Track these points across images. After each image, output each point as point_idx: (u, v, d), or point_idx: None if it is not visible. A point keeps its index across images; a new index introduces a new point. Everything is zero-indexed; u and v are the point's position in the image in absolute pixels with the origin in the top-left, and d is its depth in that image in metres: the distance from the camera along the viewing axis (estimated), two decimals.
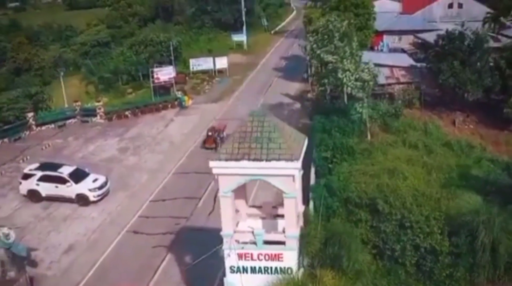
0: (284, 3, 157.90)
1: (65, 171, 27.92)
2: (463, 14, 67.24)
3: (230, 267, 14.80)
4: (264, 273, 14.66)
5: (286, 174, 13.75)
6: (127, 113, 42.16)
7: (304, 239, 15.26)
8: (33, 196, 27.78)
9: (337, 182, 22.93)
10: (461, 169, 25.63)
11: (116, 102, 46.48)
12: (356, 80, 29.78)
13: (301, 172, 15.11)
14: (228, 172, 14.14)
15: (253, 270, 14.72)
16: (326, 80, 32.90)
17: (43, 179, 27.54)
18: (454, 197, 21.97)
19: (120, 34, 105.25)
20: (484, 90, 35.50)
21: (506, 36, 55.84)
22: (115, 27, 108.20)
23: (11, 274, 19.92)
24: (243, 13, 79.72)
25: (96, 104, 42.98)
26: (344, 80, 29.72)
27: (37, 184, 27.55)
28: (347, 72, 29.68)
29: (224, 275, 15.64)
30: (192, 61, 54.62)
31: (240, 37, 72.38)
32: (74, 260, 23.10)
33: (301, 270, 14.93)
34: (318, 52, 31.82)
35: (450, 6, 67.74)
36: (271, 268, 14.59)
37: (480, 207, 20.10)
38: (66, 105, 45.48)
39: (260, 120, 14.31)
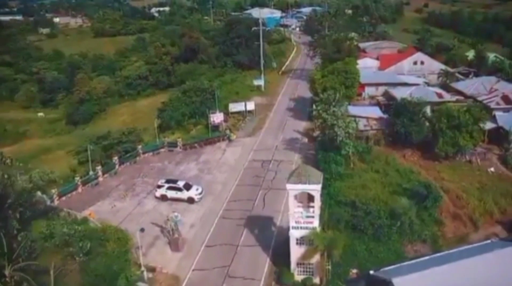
0: (285, 37, 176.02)
1: (180, 183, 47.09)
2: (424, 69, 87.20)
3: (292, 226, 33.88)
4: (305, 229, 33.71)
5: (316, 189, 32.91)
6: (195, 144, 61.31)
7: (321, 216, 34.48)
8: (163, 198, 46.79)
9: (334, 192, 42.69)
10: (400, 185, 45.49)
11: (185, 136, 65.10)
12: (345, 132, 49.39)
13: (320, 186, 34.22)
14: (293, 188, 33.17)
15: (301, 228, 33.79)
16: (326, 131, 52.26)
17: (169, 188, 46.64)
18: (395, 200, 41.68)
19: (156, 69, 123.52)
20: (423, 136, 55.00)
21: (454, 89, 75.44)
22: (152, 63, 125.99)
23: (176, 235, 39.01)
24: (261, 60, 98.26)
25: (175, 137, 62.17)
26: (338, 132, 49.22)
27: (166, 191, 46.68)
28: (340, 128, 49.22)
29: (287, 232, 34.88)
30: (230, 105, 73.31)
31: (259, 82, 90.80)
32: (196, 231, 42.15)
33: (319, 228, 34.02)
34: (323, 115, 51.30)
35: (415, 63, 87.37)
36: (308, 226, 33.64)
37: (406, 204, 39.94)
38: (157, 139, 63.23)
39: (305, 168, 33.67)
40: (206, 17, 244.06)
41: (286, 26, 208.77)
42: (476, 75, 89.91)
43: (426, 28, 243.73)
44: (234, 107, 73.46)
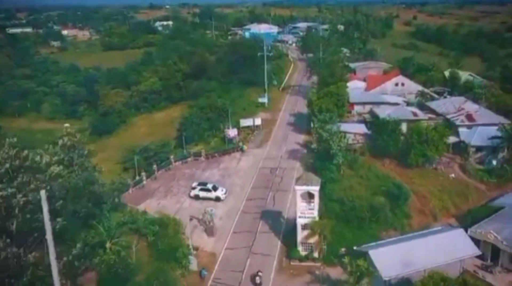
0: (283, 53, 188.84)
1: (209, 186, 59.83)
2: (404, 90, 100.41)
3: (299, 216, 46.68)
4: (308, 218, 46.50)
5: (315, 189, 45.77)
6: (215, 154, 74.06)
7: (319, 209, 47.34)
8: (196, 197, 59.40)
9: (328, 192, 55.58)
10: (379, 187, 58.39)
11: (206, 148, 77.71)
12: (337, 146, 62.35)
13: (319, 187, 47.04)
14: (300, 188, 46.03)
15: (305, 217, 46.59)
16: (322, 144, 65.23)
17: (201, 190, 59.34)
18: (374, 198, 54.61)
19: (169, 84, 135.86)
20: (398, 148, 68.02)
21: (428, 108, 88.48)
22: (165, 79, 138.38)
23: (211, 224, 51.67)
24: (265, 80, 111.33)
25: (198, 149, 74.98)
26: (332, 146, 62.16)
27: (198, 192, 59.36)
28: (333, 143, 62.19)
29: (293, 222, 47.68)
30: (241, 121, 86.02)
31: (264, 99, 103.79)
32: (224, 222, 54.80)
33: (317, 218, 46.83)
34: (320, 131, 64.29)
35: (397, 84, 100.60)
36: (310, 216, 46.44)
37: (383, 201, 52.99)
38: (184, 150, 75.72)
39: (310, 176, 46.64)
40: (208, 31, 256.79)
41: (283, 41, 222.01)
42: (450, 93, 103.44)
43: (413, 43, 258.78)
44: (244, 122, 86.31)
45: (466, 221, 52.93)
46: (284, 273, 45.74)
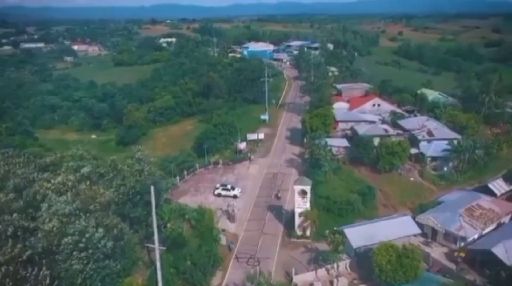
0: (279, 72, 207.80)
1: (229, 186, 78.45)
2: (380, 109, 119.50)
3: (296, 207, 65.36)
4: (302, 208, 65.15)
5: (308, 188, 64.52)
6: (230, 163, 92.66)
7: (310, 202, 66.16)
8: (219, 195, 77.87)
9: (317, 191, 74.69)
10: (355, 187, 77.51)
11: (221, 157, 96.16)
12: (324, 157, 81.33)
13: (310, 187, 65.80)
14: (297, 187, 64.74)
15: (300, 208, 65.31)
16: (313, 155, 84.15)
17: (222, 189, 77.95)
18: (350, 195, 73.76)
19: (181, 101, 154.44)
20: (371, 158, 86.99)
21: (398, 125, 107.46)
22: (178, 97, 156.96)
23: (233, 213, 70.22)
24: (266, 101, 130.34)
25: (216, 158, 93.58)
26: (320, 157, 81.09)
27: (221, 191, 77.93)
28: (321, 154, 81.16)
29: (292, 212, 66.46)
30: (248, 135, 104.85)
31: (265, 116, 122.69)
32: (242, 212, 73.17)
33: (309, 208, 65.54)
34: (311, 145, 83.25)
35: (374, 105, 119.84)
36: (304, 207, 65.10)
37: (357, 197, 72.16)
38: (206, 159, 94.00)
39: (304, 179, 65.58)
40: (209, 49, 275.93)
41: (278, 60, 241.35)
42: (419, 112, 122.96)
43: (396, 61, 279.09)
44: (250, 136, 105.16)
45: (417, 212, 71.81)
46: (286, 247, 64.29)
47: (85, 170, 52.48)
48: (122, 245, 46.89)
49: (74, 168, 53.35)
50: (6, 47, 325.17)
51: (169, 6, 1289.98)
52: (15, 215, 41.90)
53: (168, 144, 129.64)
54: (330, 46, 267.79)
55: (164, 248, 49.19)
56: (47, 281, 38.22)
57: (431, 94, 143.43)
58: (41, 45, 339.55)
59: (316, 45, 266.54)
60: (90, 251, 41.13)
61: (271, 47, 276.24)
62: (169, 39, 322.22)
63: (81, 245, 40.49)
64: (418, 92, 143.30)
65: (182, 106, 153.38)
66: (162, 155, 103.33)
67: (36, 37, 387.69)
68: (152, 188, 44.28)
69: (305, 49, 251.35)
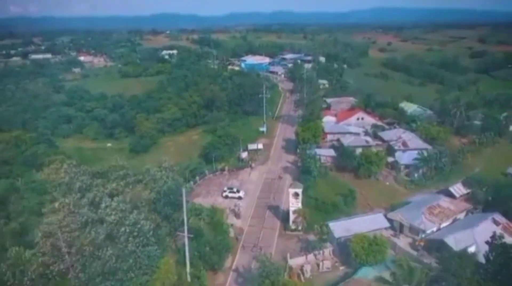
0: (274, 84, 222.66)
1: (234, 189, 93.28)
2: (364, 122, 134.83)
3: (290, 206, 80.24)
4: (295, 207, 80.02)
5: (300, 191, 79.44)
6: (234, 169, 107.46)
7: (302, 202, 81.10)
8: (226, 197, 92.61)
9: (308, 193, 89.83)
10: (339, 190, 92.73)
11: (226, 164, 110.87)
12: (314, 164, 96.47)
13: (301, 190, 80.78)
14: (291, 190, 79.68)
15: (294, 206, 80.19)
16: (305, 163, 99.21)
17: (229, 192, 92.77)
18: (335, 197, 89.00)
19: (187, 113, 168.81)
20: (353, 166, 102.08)
21: (379, 136, 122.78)
22: (184, 109, 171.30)
23: (239, 212, 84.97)
24: (264, 114, 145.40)
25: (222, 165, 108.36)
26: (310, 164, 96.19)
27: (228, 193, 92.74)
28: (311, 162, 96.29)
29: (287, 210, 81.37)
30: (249, 145, 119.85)
31: (263, 128, 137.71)
32: (245, 211, 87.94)
33: (301, 207, 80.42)
34: (303, 154, 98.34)
35: (358, 119, 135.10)
36: (297, 206, 79.96)
37: (340, 199, 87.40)
38: (213, 166, 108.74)
39: (297, 183, 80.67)
40: (209, 61, 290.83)
41: (274, 72, 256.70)
42: (398, 124, 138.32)
43: (384, 72, 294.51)
44: (251, 146, 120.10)
45: (389, 210, 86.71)
46: (282, 238, 79.11)
47: (130, 179, 67.24)
48: (159, 234, 61.50)
49: (122, 176, 67.98)
50: (15, 58, 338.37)
51: (168, 16, 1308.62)
52: (85, 209, 56.47)
53: (177, 152, 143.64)
54: (322, 59, 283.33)
55: (191, 235, 63.65)
56: (113, 260, 52.60)
57: (411, 107, 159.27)
58: (48, 56, 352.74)
59: (309, 58, 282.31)
60: (141, 238, 55.70)
61: (266, 60, 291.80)
62: (171, 51, 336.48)
63: (134, 233, 55.08)
64: (400, 105, 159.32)
65: (188, 118, 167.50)
66: (173, 162, 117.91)
67: (43, 47, 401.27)
68: (183, 190, 58.94)
69: (299, 61, 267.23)
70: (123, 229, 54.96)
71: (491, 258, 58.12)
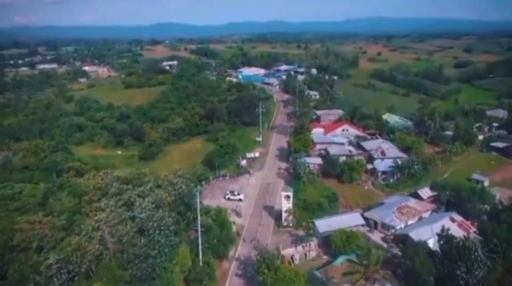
0: (269, 95, 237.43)
1: (235, 192, 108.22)
2: (349, 133, 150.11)
3: (283, 206, 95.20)
4: (287, 207, 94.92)
5: (291, 194, 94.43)
6: (234, 175, 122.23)
7: (292, 203, 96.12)
8: (228, 199, 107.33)
9: (297, 196, 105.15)
10: (324, 193, 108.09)
11: (227, 171, 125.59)
12: (303, 171, 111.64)
13: (292, 193, 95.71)
14: (284, 193, 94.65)
15: (286, 206, 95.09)
16: (295, 170, 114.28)
17: (231, 194, 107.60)
18: (320, 199, 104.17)
19: (190, 123, 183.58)
20: (338, 172, 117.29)
21: (361, 146, 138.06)
22: (187, 120, 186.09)
23: (239, 211, 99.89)
24: (260, 125, 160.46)
25: (225, 172, 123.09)
26: (300, 171, 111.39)
27: (230, 196, 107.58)
28: (301, 169, 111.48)
29: (280, 209, 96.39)
30: (247, 154, 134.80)
31: (259, 138, 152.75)
32: (245, 210, 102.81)
33: (291, 207, 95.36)
34: (294, 162, 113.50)
35: (343, 130, 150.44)
36: (288, 206, 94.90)
37: (325, 200, 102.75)
38: (217, 172, 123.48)
39: (288, 187, 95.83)
40: (208, 72, 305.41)
41: (268, 84, 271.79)
42: (380, 135, 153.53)
43: (371, 83, 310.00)
44: (249, 155, 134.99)
45: (366, 210, 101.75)
46: (276, 233, 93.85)
47: (151, 184, 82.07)
48: (177, 228, 76.27)
49: (145, 182, 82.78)
50: (24, 68, 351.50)
51: (166, 25, 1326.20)
52: (122, 209, 71.15)
53: (182, 159, 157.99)
54: (314, 70, 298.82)
55: (203, 229, 78.30)
56: (143, 249, 67.24)
57: (393, 119, 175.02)
58: (54, 65, 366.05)
59: (301, 69, 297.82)
60: (165, 231, 70.32)
61: (262, 71, 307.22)
62: (171, 62, 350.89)
63: (161, 228, 69.71)
64: (384, 116, 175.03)
65: (191, 127, 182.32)
66: (178, 169, 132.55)
67: (48, 57, 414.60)
68: (198, 193, 73.74)
69: (292, 73, 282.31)
70: (151, 223, 69.50)
71: (440, 246, 73.39)
